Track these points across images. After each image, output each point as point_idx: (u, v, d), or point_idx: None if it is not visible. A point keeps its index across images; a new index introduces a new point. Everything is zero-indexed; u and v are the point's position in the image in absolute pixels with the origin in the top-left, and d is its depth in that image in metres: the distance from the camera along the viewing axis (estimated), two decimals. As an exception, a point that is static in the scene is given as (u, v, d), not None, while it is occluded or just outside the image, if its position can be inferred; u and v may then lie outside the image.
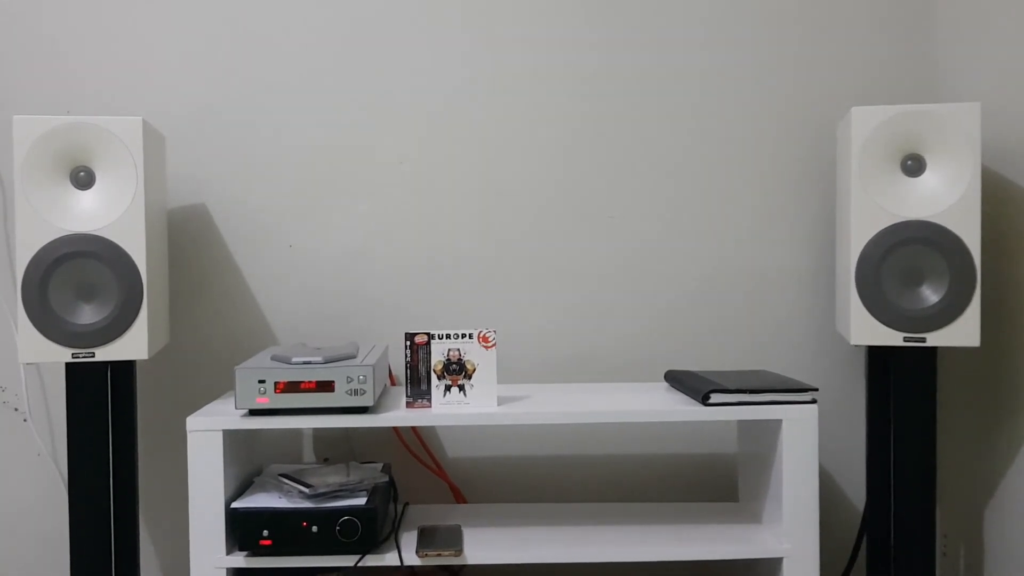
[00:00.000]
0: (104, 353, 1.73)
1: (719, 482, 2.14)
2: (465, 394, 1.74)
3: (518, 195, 2.12)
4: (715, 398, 1.73)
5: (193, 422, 1.69)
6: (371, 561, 1.70)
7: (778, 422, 1.73)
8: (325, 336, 2.11)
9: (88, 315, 1.73)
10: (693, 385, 1.80)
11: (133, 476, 1.82)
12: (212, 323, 2.11)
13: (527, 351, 2.12)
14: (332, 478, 1.79)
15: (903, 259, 1.77)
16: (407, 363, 1.74)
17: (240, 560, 1.70)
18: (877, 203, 1.78)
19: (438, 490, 2.12)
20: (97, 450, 1.76)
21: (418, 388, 1.74)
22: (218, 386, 2.10)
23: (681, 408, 1.73)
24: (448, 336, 1.74)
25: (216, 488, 1.69)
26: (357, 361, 1.72)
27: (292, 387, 1.67)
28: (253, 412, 1.70)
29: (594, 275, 2.13)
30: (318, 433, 2.12)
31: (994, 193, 1.91)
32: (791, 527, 1.72)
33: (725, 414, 1.72)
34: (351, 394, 1.68)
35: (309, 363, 1.69)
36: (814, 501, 1.72)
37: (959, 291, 1.74)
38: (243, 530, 1.68)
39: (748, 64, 2.12)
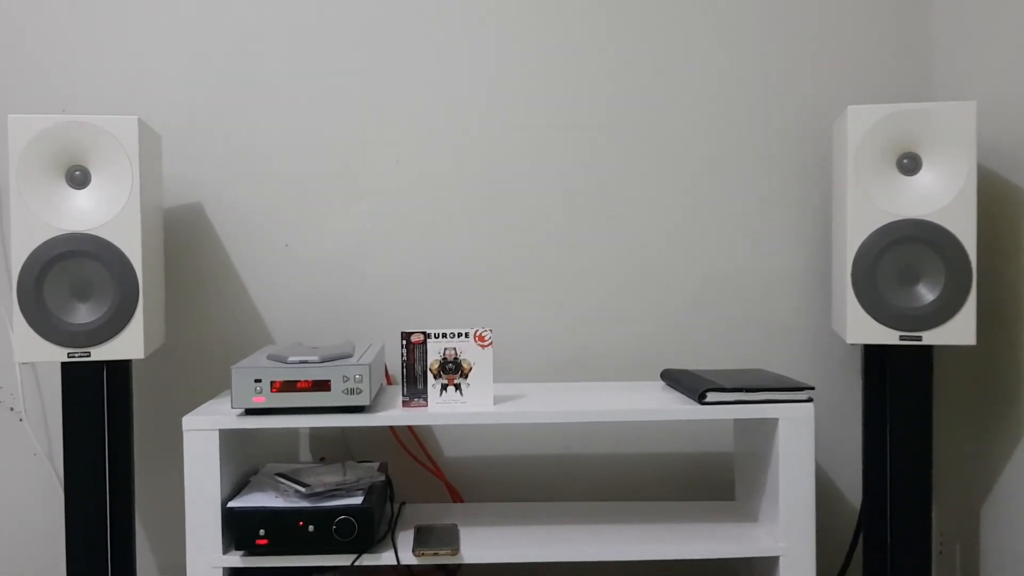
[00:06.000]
0: (100, 353, 1.72)
1: (715, 481, 2.14)
2: (461, 393, 1.74)
3: (515, 194, 2.12)
4: (711, 397, 1.73)
5: (189, 421, 1.69)
6: (368, 560, 1.70)
7: (774, 421, 1.73)
8: (321, 335, 2.11)
9: (84, 315, 1.73)
10: (689, 384, 1.80)
11: (129, 476, 1.82)
12: (208, 322, 2.11)
13: (523, 350, 2.12)
14: (328, 477, 1.79)
15: (899, 258, 1.77)
16: (403, 362, 1.74)
17: (236, 559, 1.70)
18: (873, 202, 1.78)
19: (434, 489, 2.12)
20: (93, 450, 1.75)
21: (414, 387, 1.74)
22: (214, 385, 2.10)
23: (677, 407, 1.73)
24: (444, 335, 1.74)
25: (212, 487, 1.69)
26: (353, 360, 1.72)
27: (288, 386, 1.67)
28: (249, 411, 1.70)
29: (589, 274, 2.13)
30: (314, 432, 2.12)
31: (990, 191, 1.91)
32: (787, 526, 1.72)
33: (721, 413, 1.72)
34: (347, 393, 1.68)
35: (305, 362, 1.69)
36: (810, 500, 1.72)
37: (955, 290, 1.74)
38: (239, 529, 1.68)
39: (743, 64, 2.12)
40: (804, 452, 1.72)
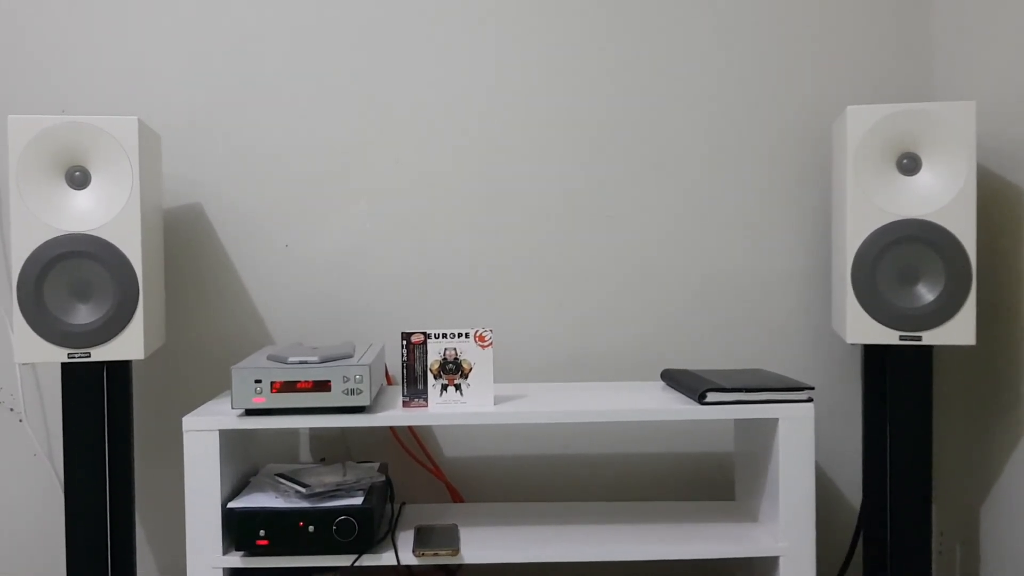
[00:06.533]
0: (100, 353, 1.72)
1: (716, 481, 2.14)
2: (461, 393, 1.74)
3: (515, 195, 2.12)
4: (711, 397, 1.73)
5: (189, 422, 1.69)
6: (368, 561, 1.70)
7: (774, 421, 1.73)
8: (321, 336, 2.11)
9: (84, 315, 1.72)
10: (689, 384, 1.80)
11: (129, 476, 1.82)
12: (208, 323, 2.11)
13: (524, 350, 2.12)
14: (328, 478, 1.79)
15: (899, 258, 1.77)
16: (403, 362, 1.74)
17: (236, 560, 1.70)
18: (873, 202, 1.78)
19: (435, 489, 2.12)
20: (93, 450, 1.75)
21: (414, 387, 1.74)
22: (214, 386, 2.10)
23: (677, 407, 1.73)
24: (444, 335, 1.74)
25: (212, 488, 1.69)
26: (353, 361, 1.72)
27: (288, 387, 1.67)
28: (249, 412, 1.70)
29: (590, 274, 2.13)
30: (315, 433, 2.12)
31: (989, 191, 1.91)
32: (787, 526, 1.72)
33: (721, 413, 1.72)
34: (347, 394, 1.68)
35: (305, 363, 1.69)
36: (810, 500, 1.72)
37: (955, 289, 1.74)
38: (240, 530, 1.68)
39: (743, 64, 2.12)
40: (804, 452, 1.72)
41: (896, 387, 1.81)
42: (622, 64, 2.12)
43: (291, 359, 1.70)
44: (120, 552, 1.81)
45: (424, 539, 1.76)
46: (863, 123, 1.79)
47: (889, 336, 1.78)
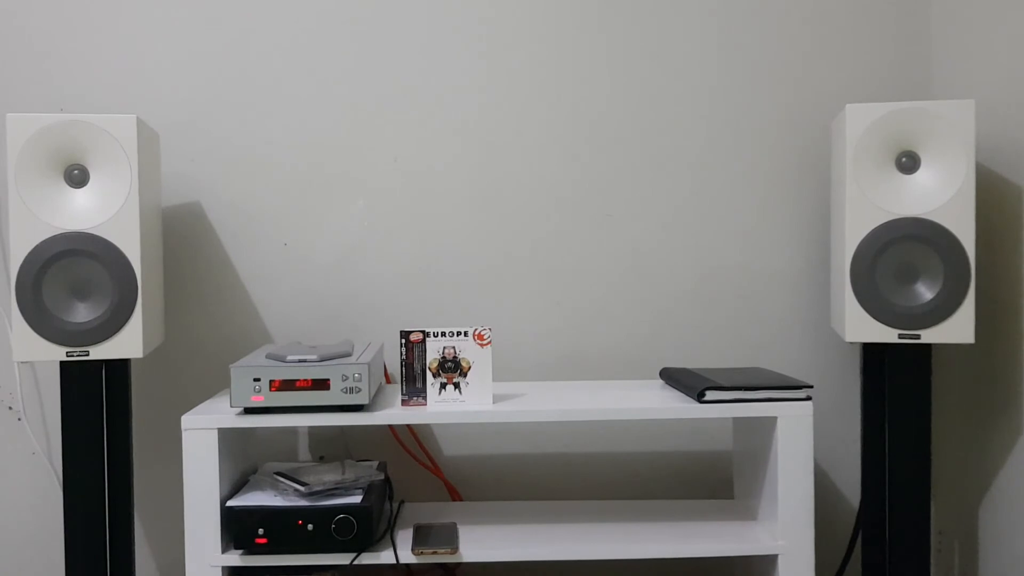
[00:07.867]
0: (99, 352, 1.72)
1: (715, 479, 2.14)
2: (460, 392, 1.74)
3: (514, 193, 2.12)
4: (710, 395, 1.73)
5: (188, 420, 1.69)
6: (367, 559, 1.70)
7: (773, 419, 1.73)
8: (320, 334, 2.11)
9: (83, 314, 1.72)
10: (688, 383, 1.80)
11: (128, 475, 1.82)
12: (207, 321, 2.11)
13: (523, 349, 2.12)
14: (327, 476, 1.79)
15: (898, 256, 1.77)
16: (402, 361, 1.74)
17: (235, 558, 1.70)
18: (872, 200, 1.78)
19: (434, 488, 2.12)
20: (92, 449, 1.75)
21: (413, 386, 1.74)
22: (213, 384, 2.10)
23: (676, 406, 1.73)
24: (443, 334, 1.74)
25: (211, 486, 1.69)
26: (352, 359, 1.72)
27: (287, 385, 1.67)
28: (248, 410, 1.70)
29: (589, 273, 2.13)
30: (313, 431, 2.12)
31: (988, 190, 1.91)
32: (786, 524, 1.72)
33: (720, 411, 1.72)
34: (346, 392, 1.68)
35: (304, 361, 1.69)
36: (809, 498, 1.72)
37: (953, 288, 1.74)
38: (238, 528, 1.68)
39: (742, 62, 2.12)
40: (803, 451, 1.72)
41: (895, 386, 1.81)
42: (620, 62, 2.12)
43: (290, 357, 1.70)
44: (119, 550, 1.81)
45: (423, 538, 1.76)
46: (862, 121, 1.79)
47: (888, 335, 1.78)
